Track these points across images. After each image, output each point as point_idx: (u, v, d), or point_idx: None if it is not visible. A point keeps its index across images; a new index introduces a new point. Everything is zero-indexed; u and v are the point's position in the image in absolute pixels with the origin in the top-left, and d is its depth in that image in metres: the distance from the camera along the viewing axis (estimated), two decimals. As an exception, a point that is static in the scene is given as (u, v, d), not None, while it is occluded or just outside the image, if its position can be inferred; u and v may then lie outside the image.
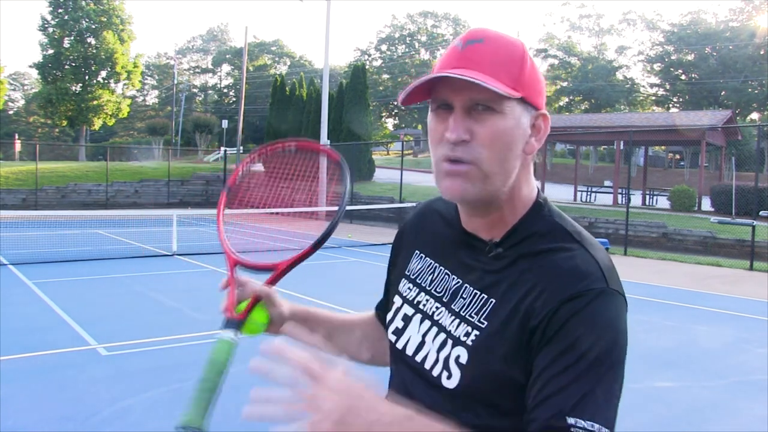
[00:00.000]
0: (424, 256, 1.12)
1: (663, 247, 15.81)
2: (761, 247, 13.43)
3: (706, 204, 20.65)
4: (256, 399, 0.78)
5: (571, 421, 0.82)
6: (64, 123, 42.87)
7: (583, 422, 0.82)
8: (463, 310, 0.99)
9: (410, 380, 1.04)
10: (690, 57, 52.16)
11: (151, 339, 6.12)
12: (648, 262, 13.38)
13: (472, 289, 1.00)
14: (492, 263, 0.99)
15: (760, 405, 4.68)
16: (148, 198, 28.47)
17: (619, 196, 23.03)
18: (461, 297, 1.00)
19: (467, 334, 0.96)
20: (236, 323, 1.10)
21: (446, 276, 1.05)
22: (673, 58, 53.18)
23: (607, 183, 28.02)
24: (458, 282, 1.02)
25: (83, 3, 40.64)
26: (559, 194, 25.40)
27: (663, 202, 22.94)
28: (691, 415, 4.49)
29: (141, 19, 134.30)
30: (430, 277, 1.08)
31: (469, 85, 0.89)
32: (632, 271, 11.77)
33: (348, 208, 21.46)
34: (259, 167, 1.42)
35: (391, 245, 1.25)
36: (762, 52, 46.72)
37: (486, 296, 0.97)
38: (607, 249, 14.50)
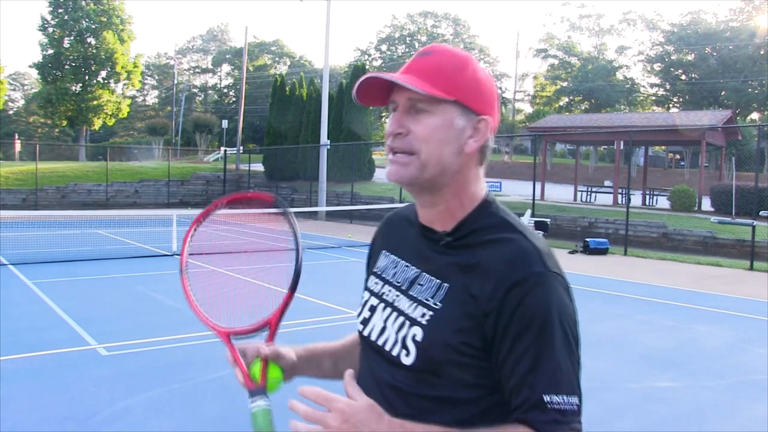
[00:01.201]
0: (389, 253, 1.25)
1: (663, 247, 15.81)
2: (761, 247, 13.42)
3: (706, 204, 20.65)
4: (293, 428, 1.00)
5: (546, 399, 0.98)
6: (64, 123, 42.88)
7: (556, 397, 0.98)
8: (420, 294, 1.11)
9: (374, 362, 1.16)
10: (690, 57, 52.16)
11: (151, 339, 6.12)
12: (648, 262, 13.37)
13: (428, 276, 1.12)
14: (445, 252, 1.11)
15: (760, 405, 4.68)
16: (148, 198, 28.48)
17: (619, 196, 23.02)
18: (418, 284, 1.12)
19: (423, 315, 1.08)
20: (262, 390, 1.16)
21: (406, 267, 1.18)
22: (673, 58, 53.18)
23: (607, 183, 28.01)
24: (416, 272, 1.15)
25: (83, 3, 40.62)
26: (559, 194, 25.39)
27: (663, 202, 22.93)
28: (691, 415, 4.49)
29: (141, 19, 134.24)
30: (393, 271, 1.20)
31: (407, 87, 1.04)
32: (632, 271, 11.77)
33: (348, 208, 21.48)
34: None
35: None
36: (762, 52, 46.71)
37: (440, 281, 1.09)
38: (606, 249, 14.55)
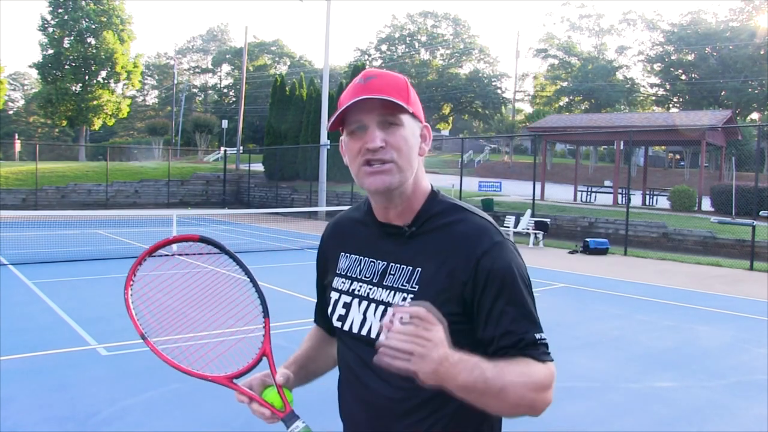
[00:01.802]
0: (348, 254, 1.36)
1: (663, 247, 15.81)
2: (761, 247, 13.42)
3: (706, 204, 20.65)
4: (385, 339, 1.04)
5: (537, 337, 1.19)
6: (64, 123, 42.88)
7: (539, 334, 1.20)
8: (395, 282, 1.25)
9: (361, 351, 1.27)
10: (690, 57, 52.16)
11: (151, 339, 6.11)
12: (648, 262, 13.36)
13: (398, 266, 1.26)
14: (409, 242, 1.26)
15: (760, 405, 4.68)
16: (148, 198, 28.48)
17: (619, 196, 23.03)
18: (390, 274, 1.26)
19: (404, 299, 1.21)
20: (293, 413, 1.24)
21: (372, 263, 1.30)
22: (673, 58, 53.19)
23: (607, 183, 28.03)
24: (384, 264, 1.28)
25: (83, 3, 40.63)
26: (559, 194, 25.38)
27: (663, 202, 22.94)
28: (691, 415, 4.49)
29: (141, 19, 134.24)
30: (358, 268, 1.33)
31: (377, 106, 1.19)
32: (632, 271, 11.77)
33: (348, 208, 21.67)
34: None
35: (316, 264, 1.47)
36: (762, 52, 46.71)
37: (411, 267, 1.24)
38: (606, 249, 14.55)
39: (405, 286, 1.23)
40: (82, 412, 4.20)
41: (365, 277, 1.30)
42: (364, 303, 1.28)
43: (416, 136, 1.25)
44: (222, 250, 1.40)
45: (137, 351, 5.70)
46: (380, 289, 1.26)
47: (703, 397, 4.84)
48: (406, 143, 1.22)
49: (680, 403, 4.71)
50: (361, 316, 1.27)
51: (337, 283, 1.36)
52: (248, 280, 1.39)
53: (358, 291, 1.30)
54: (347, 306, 1.31)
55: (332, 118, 1.22)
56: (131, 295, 1.43)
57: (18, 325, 6.56)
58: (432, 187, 1.33)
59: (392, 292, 1.24)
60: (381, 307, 1.25)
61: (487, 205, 19.34)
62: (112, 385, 4.76)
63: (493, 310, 1.19)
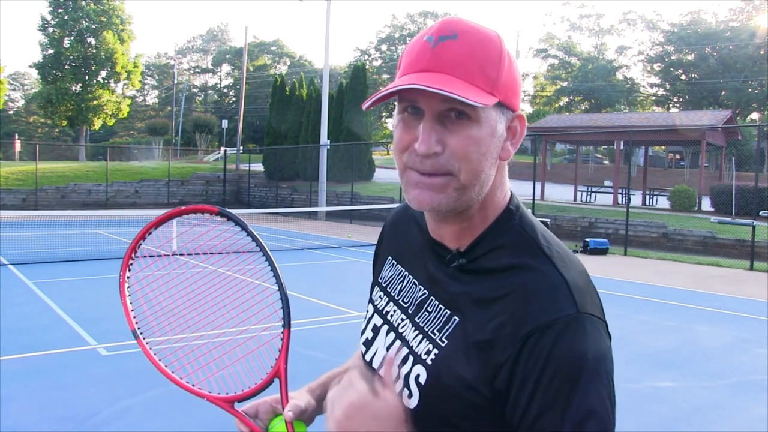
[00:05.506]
0: (395, 263, 1.06)
1: (663, 247, 15.81)
2: (761, 247, 13.42)
3: (707, 204, 20.64)
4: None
5: None
6: (64, 123, 42.88)
7: None
8: (427, 325, 0.93)
9: None
10: (690, 57, 52.17)
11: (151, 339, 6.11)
12: (648, 262, 13.37)
13: (437, 302, 0.93)
14: (456, 275, 0.92)
15: (760, 405, 4.68)
16: (148, 198, 28.47)
17: (619, 196, 23.02)
18: (426, 310, 0.95)
19: (428, 353, 0.90)
20: None
21: (414, 286, 0.99)
22: (673, 58, 53.19)
23: (607, 183, 28.01)
24: (424, 294, 0.96)
25: (83, 3, 40.63)
26: (559, 194, 25.39)
27: (663, 202, 22.92)
28: (691, 415, 4.49)
29: (141, 19, 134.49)
30: (399, 286, 1.03)
31: (461, 101, 0.80)
32: (632, 271, 11.77)
33: (348, 208, 21.46)
34: None
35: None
36: (762, 52, 46.71)
37: (449, 312, 0.91)
38: (606, 249, 14.53)
39: (435, 335, 0.90)
40: (82, 412, 4.20)
41: (403, 301, 1.00)
42: (391, 336, 0.99)
43: (498, 134, 0.86)
44: (243, 228, 1.13)
45: (137, 351, 5.69)
46: (411, 325, 0.96)
47: (703, 397, 4.84)
48: (476, 150, 0.84)
49: (680, 403, 4.71)
50: (385, 352, 0.99)
51: (375, 295, 1.08)
52: (271, 273, 1.12)
53: (391, 317, 1.01)
54: (376, 331, 1.03)
55: (373, 97, 0.85)
56: (129, 278, 1.18)
57: (18, 325, 6.56)
58: (511, 200, 0.95)
59: (420, 337, 0.93)
60: (404, 351, 0.95)
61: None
62: (112, 385, 4.76)
63: (527, 416, 0.79)
